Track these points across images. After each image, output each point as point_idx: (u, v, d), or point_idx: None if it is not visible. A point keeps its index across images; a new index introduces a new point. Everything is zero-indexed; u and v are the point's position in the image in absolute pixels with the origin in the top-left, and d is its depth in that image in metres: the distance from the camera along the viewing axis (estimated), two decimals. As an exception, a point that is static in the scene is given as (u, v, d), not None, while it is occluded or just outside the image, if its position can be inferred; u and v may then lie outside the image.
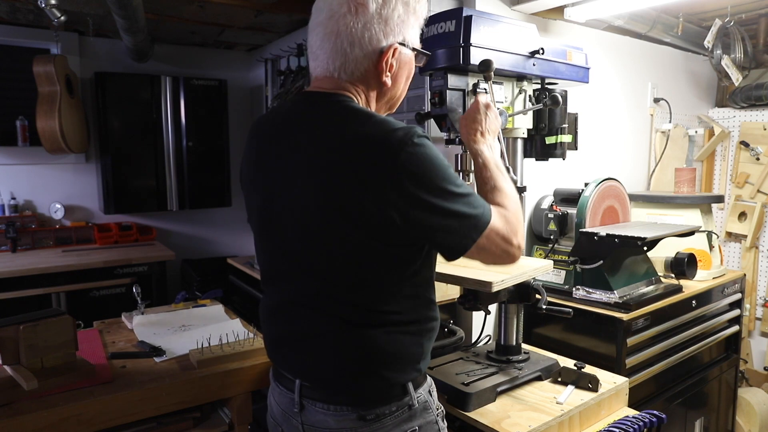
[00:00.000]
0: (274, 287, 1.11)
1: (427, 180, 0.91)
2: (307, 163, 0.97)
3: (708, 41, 2.64)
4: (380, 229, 0.92)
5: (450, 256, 0.99)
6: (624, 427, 1.27)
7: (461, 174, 1.45)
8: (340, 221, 0.94)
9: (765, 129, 2.91)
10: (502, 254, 1.01)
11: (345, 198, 0.92)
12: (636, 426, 1.27)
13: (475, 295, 1.40)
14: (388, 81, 1.03)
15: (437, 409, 1.09)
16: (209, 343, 1.54)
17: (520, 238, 1.03)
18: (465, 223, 0.95)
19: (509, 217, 1.03)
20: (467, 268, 1.37)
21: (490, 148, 1.16)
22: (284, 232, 1.03)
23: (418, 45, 1.06)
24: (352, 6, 0.96)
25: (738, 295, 2.28)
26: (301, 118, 1.02)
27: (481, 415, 1.29)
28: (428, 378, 1.11)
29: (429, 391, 1.09)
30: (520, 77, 1.51)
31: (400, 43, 1.01)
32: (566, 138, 1.62)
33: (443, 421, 1.10)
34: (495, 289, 1.22)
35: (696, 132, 3.01)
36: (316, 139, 0.97)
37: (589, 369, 1.48)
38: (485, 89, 1.33)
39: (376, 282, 0.98)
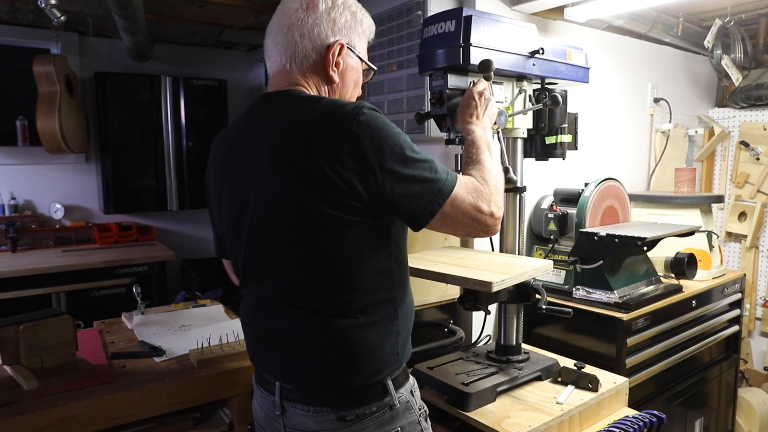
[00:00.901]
0: (251, 288, 1.11)
1: (382, 146, 0.93)
2: (269, 157, 1.00)
3: (708, 41, 2.64)
4: (346, 202, 0.94)
5: (416, 225, 1.00)
6: (624, 427, 1.27)
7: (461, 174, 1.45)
8: (307, 200, 0.95)
9: (765, 129, 2.91)
10: (472, 222, 1.01)
11: (309, 176, 0.94)
12: (636, 426, 1.27)
13: (475, 295, 1.40)
14: (335, 76, 1.08)
15: (420, 409, 1.08)
16: (209, 343, 1.54)
17: (495, 208, 1.03)
18: (427, 187, 0.97)
19: (480, 186, 1.03)
20: (467, 268, 1.37)
21: (483, 130, 1.19)
22: (257, 229, 1.04)
23: (366, 59, 1.15)
24: (304, 4, 1.06)
25: (738, 295, 2.28)
26: (258, 119, 1.07)
27: (481, 415, 1.29)
28: (410, 377, 1.10)
29: (411, 391, 1.08)
30: (520, 77, 1.51)
31: (348, 46, 1.08)
32: (566, 138, 1.62)
33: (426, 421, 1.10)
34: (495, 289, 1.22)
35: (696, 132, 3.01)
36: (273, 132, 1.01)
37: (589, 369, 1.48)
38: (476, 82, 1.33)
39: (346, 263, 0.98)
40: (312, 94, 1.07)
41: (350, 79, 1.13)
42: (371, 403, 1.01)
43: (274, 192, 0.99)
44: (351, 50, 1.10)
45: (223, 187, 1.11)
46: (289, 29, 1.06)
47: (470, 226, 1.01)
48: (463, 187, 1.01)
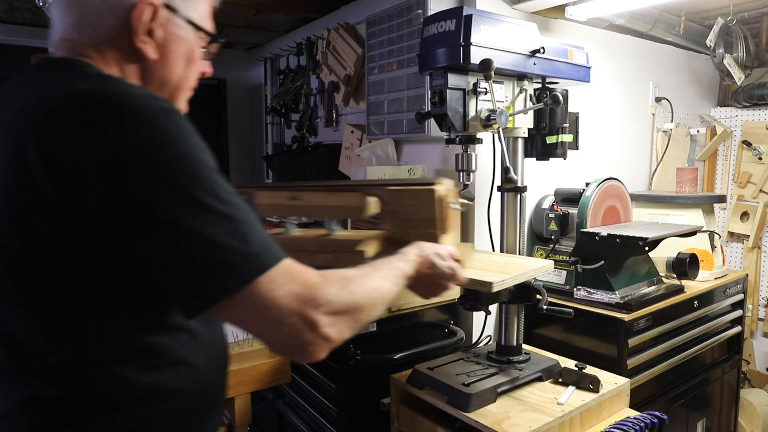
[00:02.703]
0: None
1: (164, 173, 0.63)
2: (1, 144, 0.68)
3: (710, 40, 2.63)
4: (79, 245, 0.65)
5: (186, 308, 0.69)
6: (625, 428, 1.26)
7: (461, 173, 1.45)
8: (23, 229, 0.65)
9: (767, 128, 2.90)
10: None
11: (28, 192, 0.63)
12: (637, 427, 1.26)
13: (476, 295, 1.39)
14: (150, 50, 0.76)
15: None
16: (208, 344, 1.53)
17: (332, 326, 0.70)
18: (218, 258, 0.65)
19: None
20: (467, 268, 1.37)
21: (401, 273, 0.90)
22: None
23: (203, 23, 0.83)
24: None
25: (740, 296, 2.27)
26: (10, 92, 0.74)
27: (481, 415, 1.29)
28: None
29: None
30: (520, 76, 1.50)
31: (167, 6, 0.77)
32: (567, 137, 1.61)
33: None
34: (495, 289, 1.21)
35: (698, 131, 3.00)
36: (11, 113, 0.69)
37: (590, 370, 1.47)
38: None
39: (84, 324, 0.68)
40: (102, 71, 0.74)
41: (177, 54, 0.80)
42: None
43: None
44: (173, 13, 0.78)
45: None
46: None
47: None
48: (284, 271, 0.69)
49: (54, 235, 0.64)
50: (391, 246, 1.04)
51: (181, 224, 0.63)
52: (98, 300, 0.67)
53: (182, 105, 0.88)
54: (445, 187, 1.07)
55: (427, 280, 0.98)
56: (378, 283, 0.82)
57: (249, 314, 0.67)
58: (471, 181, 1.48)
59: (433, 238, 1.06)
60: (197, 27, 0.82)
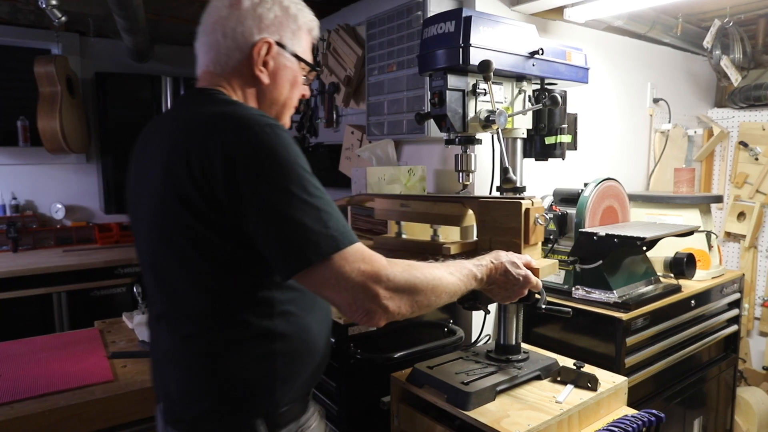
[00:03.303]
0: (148, 303, 1.07)
1: (267, 170, 0.83)
2: (159, 156, 0.93)
3: (707, 42, 2.65)
4: (214, 219, 0.86)
5: (280, 273, 0.87)
6: (623, 426, 1.27)
7: (460, 174, 1.46)
8: (177, 211, 0.87)
9: (764, 129, 2.92)
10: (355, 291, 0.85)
11: (180, 183, 0.86)
12: (635, 425, 1.27)
13: (475, 294, 1.40)
14: (264, 77, 1.01)
15: None
16: (210, 343, 1.54)
17: (400, 299, 0.87)
18: (298, 236, 0.82)
19: (400, 274, 0.87)
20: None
21: (470, 278, 1.05)
22: (143, 237, 0.99)
23: (305, 56, 1.06)
24: (228, 1, 1.00)
25: (737, 295, 2.28)
26: (165, 116, 1.02)
27: (480, 414, 1.30)
28: (303, 416, 1.01)
29: None
30: (519, 78, 1.51)
31: (278, 43, 1.01)
32: (566, 138, 1.62)
33: None
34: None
35: (695, 132, 3.02)
36: (168, 129, 0.95)
37: (588, 368, 1.49)
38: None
39: (220, 283, 0.90)
40: (233, 97, 0.99)
41: (284, 80, 1.04)
42: None
43: (154, 199, 0.92)
44: (282, 48, 1.01)
45: (128, 187, 1.07)
46: (213, 29, 1.00)
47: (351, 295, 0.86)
48: (358, 252, 0.86)
49: (200, 212, 0.86)
50: (478, 253, 1.19)
51: (278, 210, 0.82)
52: (229, 263, 0.89)
53: (287, 119, 1.11)
54: (531, 203, 1.19)
55: (500, 285, 1.10)
56: (441, 274, 0.95)
57: (324, 283, 0.85)
58: (470, 181, 1.49)
59: (517, 248, 1.19)
60: (300, 59, 1.05)
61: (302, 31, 1.05)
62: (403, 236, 1.46)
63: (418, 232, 1.55)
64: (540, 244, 1.29)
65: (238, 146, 0.83)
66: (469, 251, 1.25)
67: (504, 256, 1.11)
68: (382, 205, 1.44)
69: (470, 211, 1.29)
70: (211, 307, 0.91)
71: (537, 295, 1.46)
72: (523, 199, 1.20)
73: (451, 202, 1.32)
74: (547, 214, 1.25)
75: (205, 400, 0.92)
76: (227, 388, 0.91)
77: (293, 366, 0.96)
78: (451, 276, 0.97)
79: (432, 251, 1.24)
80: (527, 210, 1.19)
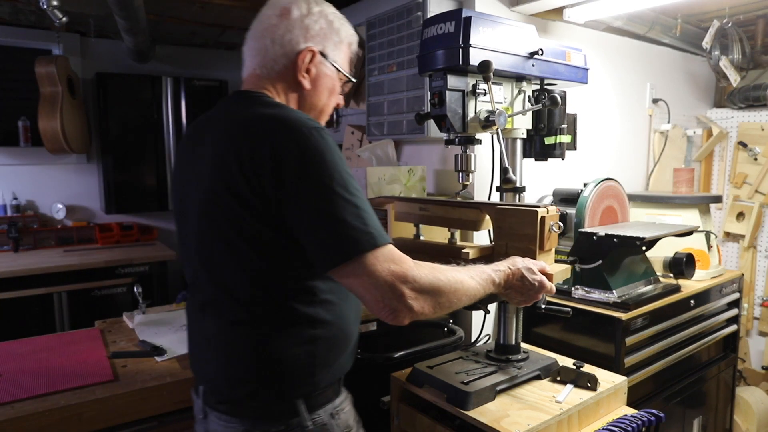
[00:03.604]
0: (190, 291, 1.12)
1: (312, 169, 0.89)
2: (211, 152, 0.99)
3: (706, 42, 2.65)
4: (262, 211, 0.92)
5: (319, 265, 0.92)
6: (623, 426, 1.28)
7: (460, 174, 1.46)
8: (227, 202, 0.94)
9: (763, 129, 2.92)
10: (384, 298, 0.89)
11: (231, 177, 0.93)
12: (634, 425, 1.28)
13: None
14: (306, 83, 1.08)
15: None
16: (210, 343, 1.55)
17: (425, 301, 0.91)
18: (338, 233, 0.88)
19: (429, 277, 0.92)
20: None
21: (490, 283, 1.09)
22: (191, 229, 1.04)
23: (343, 68, 1.13)
24: (278, 11, 1.08)
25: (736, 295, 2.28)
26: (217, 113, 1.07)
27: (480, 413, 1.30)
28: (338, 399, 1.06)
29: (332, 414, 1.03)
30: (519, 78, 1.52)
31: (321, 53, 1.08)
32: (565, 138, 1.62)
33: None
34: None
35: (694, 132, 3.02)
36: (220, 127, 1.01)
37: (588, 368, 1.49)
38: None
39: (266, 272, 0.96)
40: (277, 100, 1.07)
41: (324, 87, 1.12)
42: (279, 421, 0.98)
43: (205, 191, 0.99)
44: (324, 57, 1.09)
45: (175, 178, 1.14)
46: (262, 35, 1.07)
47: (381, 302, 0.90)
48: (391, 254, 0.91)
49: (249, 205, 0.91)
50: (494, 257, 1.26)
51: (321, 206, 0.88)
52: (276, 253, 0.95)
53: (322, 124, 1.13)
54: (546, 211, 1.24)
55: (517, 290, 1.15)
56: (462, 278, 1.00)
57: (356, 279, 0.89)
58: (470, 181, 1.49)
59: (532, 253, 1.23)
60: (339, 69, 1.13)
61: (343, 44, 1.13)
62: (421, 238, 1.51)
63: (434, 235, 1.57)
64: (554, 249, 1.32)
65: (286, 146, 0.89)
66: (486, 255, 1.30)
67: (520, 262, 1.16)
68: (403, 207, 1.50)
69: (487, 217, 1.34)
70: (260, 295, 0.97)
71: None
72: (539, 207, 1.25)
73: (468, 207, 1.36)
74: (559, 222, 1.29)
75: (250, 382, 0.98)
76: (272, 371, 0.97)
77: (331, 351, 1.02)
78: (471, 280, 1.02)
79: (451, 254, 1.27)
80: (543, 218, 1.23)
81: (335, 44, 1.11)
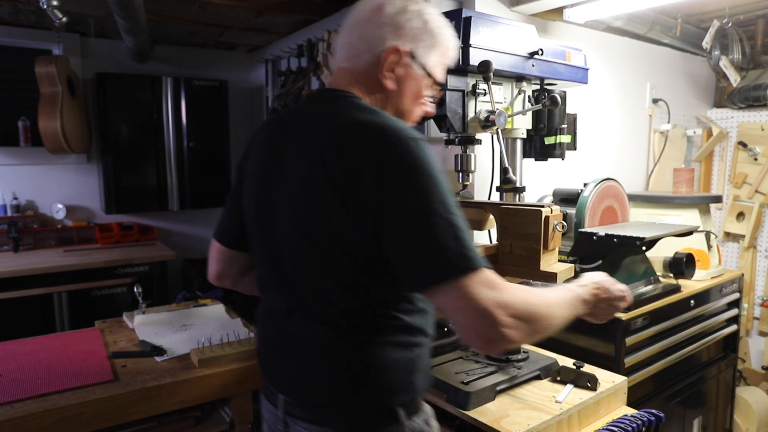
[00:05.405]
0: (269, 293, 1.07)
1: (413, 184, 0.85)
2: (300, 159, 0.95)
3: (706, 42, 2.66)
4: (358, 222, 0.88)
5: (409, 284, 0.90)
6: (623, 426, 1.28)
7: (460, 174, 1.46)
8: (321, 212, 0.90)
9: (763, 129, 2.92)
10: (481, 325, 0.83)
11: (327, 186, 0.89)
12: (634, 425, 1.28)
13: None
14: (389, 83, 1.01)
15: None
16: (210, 343, 1.55)
17: (522, 328, 0.85)
18: (429, 255, 0.83)
19: (526, 300, 0.87)
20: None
21: (577, 302, 1.05)
22: (278, 232, 1.00)
23: (434, 72, 1.05)
24: (372, 5, 1.02)
25: (736, 295, 2.28)
26: (305, 114, 1.02)
27: (480, 413, 1.30)
28: (426, 407, 1.05)
29: (426, 421, 1.02)
30: (519, 78, 1.52)
31: (410, 54, 1.01)
32: (565, 138, 1.63)
33: None
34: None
35: (694, 132, 3.02)
36: (311, 130, 0.96)
37: (588, 368, 1.49)
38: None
39: (363, 280, 0.93)
40: (363, 101, 1.00)
41: (409, 89, 1.03)
42: (374, 428, 0.96)
43: (299, 193, 0.94)
44: (413, 59, 1.01)
45: (256, 177, 1.06)
46: (352, 29, 1.03)
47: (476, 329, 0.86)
48: (489, 277, 0.86)
49: (344, 216, 0.88)
50: (498, 256, 1.30)
51: (417, 223, 0.84)
52: (373, 263, 0.91)
53: None
54: (550, 210, 1.24)
55: (605, 303, 1.11)
56: (553, 300, 0.96)
57: (450, 301, 0.84)
58: (470, 181, 1.50)
59: (536, 253, 1.24)
60: (428, 73, 1.04)
61: (438, 47, 1.05)
62: None
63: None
64: (557, 249, 1.32)
65: (388, 158, 0.86)
66: (490, 255, 1.31)
67: (596, 275, 1.13)
68: None
69: (491, 217, 1.34)
70: (357, 303, 0.94)
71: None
72: (543, 207, 1.25)
73: (473, 207, 1.37)
74: (563, 221, 1.29)
75: (347, 388, 0.95)
76: (371, 377, 0.95)
77: (425, 358, 1.01)
78: (561, 301, 0.99)
79: None
80: (546, 217, 1.23)
81: (428, 46, 1.03)
